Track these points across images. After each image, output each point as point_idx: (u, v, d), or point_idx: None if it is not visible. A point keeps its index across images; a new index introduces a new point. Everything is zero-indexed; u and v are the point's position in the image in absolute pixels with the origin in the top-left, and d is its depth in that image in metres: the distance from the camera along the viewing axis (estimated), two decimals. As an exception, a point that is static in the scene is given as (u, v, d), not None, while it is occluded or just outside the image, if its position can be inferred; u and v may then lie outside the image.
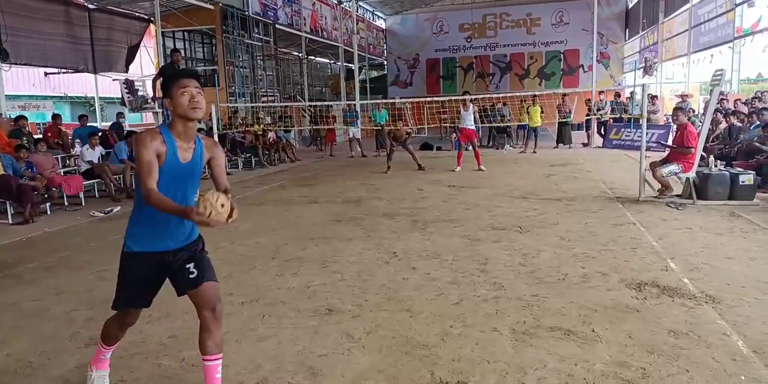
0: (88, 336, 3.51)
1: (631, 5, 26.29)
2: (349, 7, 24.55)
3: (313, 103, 18.95)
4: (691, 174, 7.30)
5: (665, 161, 7.58)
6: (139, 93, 8.99)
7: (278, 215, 7.47)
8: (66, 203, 8.61)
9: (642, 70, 21.89)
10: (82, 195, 8.85)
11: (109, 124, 13.79)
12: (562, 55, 27.61)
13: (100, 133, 10.90)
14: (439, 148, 16.76)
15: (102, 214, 7.86)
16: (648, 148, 8.31)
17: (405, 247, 5.46)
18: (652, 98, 14.81)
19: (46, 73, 17.70)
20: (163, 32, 13.80)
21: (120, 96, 9.50)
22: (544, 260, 4.87)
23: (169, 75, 2.39)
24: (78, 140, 11.36)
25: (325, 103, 19.50)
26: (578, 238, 5.63)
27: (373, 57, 29.78)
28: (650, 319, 3.49)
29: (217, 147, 2.62)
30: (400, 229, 6.27)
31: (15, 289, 4.56)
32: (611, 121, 16.37)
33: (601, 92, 17.97)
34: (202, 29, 17.15)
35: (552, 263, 4.77)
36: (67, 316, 3.90)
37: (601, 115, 16.40)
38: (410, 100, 18.51)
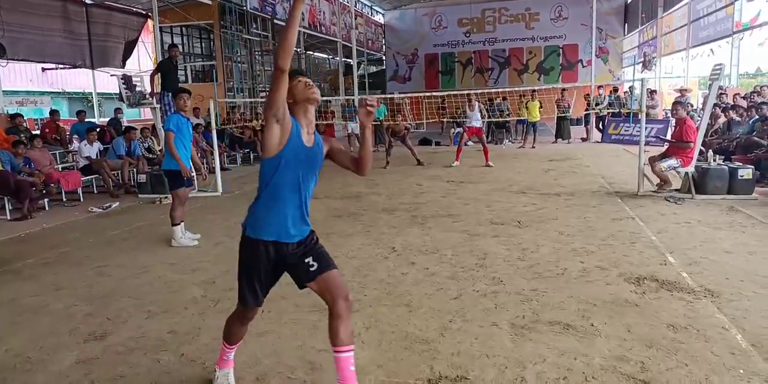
0: (87, 331, 3.51)
1: (630, 0, 26.21)
2: (348, 2, 24.45)
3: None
4: (690, 168, 7.30)
5: (664, 156, 7.58)
6: (137, 88, 8.92)
7: (277, 211, 7.44)
8: (64, 199, 8.60)
9: (641, 64, 21.85)
10: (80, 191, 8.84)
11: (107, 119, 13.77)
12: (560, 49, 27.55)
13: (98, 129, 10.88)
14: (438, 144, 16.76)
15: (100, 210, 7.85)
16: (647, 143, 8.29)
17: (404, 243, 5.46)
18: (651, 93, 14.80)
19: (43, 69, 17.60)
20: (160, 27, 13.77)
21: (118, 91, 9.44)
22: (543, 255, 4.88)
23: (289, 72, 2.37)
24: (76, 136, 11.33)
25: (324, 98, 19.44)
26: (577, 232, 5.63)
27: (372, 52, 29.70)
28: (649, 313, 3.50)
29: (330, 140, 2.70)
30: (399, 225, 6.27)
31: (13, 285, 4.56)
32: (609, 115, 16.36)
33: (599, 87, 17.95)
34: (199, 24, 17.09)
35: (551, 258, 4.77)
36: (66, 311, 3.90)
37: (599, 109, 16.38)
38: (409, 95, 18.48)
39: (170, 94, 8.82)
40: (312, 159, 2.48)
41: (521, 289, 4.00)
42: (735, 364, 2.82)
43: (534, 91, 16.00)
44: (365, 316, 3.61)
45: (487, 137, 17.31)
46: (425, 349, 3.10)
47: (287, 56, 2.21)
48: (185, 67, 18.45)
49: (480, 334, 3.26)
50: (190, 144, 5.86)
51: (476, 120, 11.76)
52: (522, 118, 16.07)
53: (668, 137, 9.25)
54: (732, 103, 11.72)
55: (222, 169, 10.17)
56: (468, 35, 28.68)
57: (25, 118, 10.65)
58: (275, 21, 18.96)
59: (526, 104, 15.77)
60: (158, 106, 8.93)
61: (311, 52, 26.30)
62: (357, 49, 22.34)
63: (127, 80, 8.76)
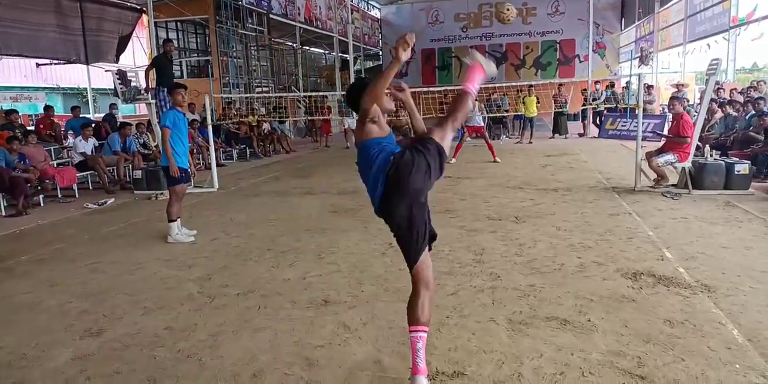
0: (82, 328, 3.49)
1: (626, -6, 26.17)
2: (344, -3, 24.34)
3: (308, 94, 18.83)
4: (687, 164, 7.30)
5: (661, 151, 7.58)
6: (132, 84, 8.87)
7: (273, 206, 7.44)
8: (59, 195, 8.56)
9: (638, 59, 21.82)
10: (75, 187, 8.80)
11: (102, 115, 13.70)
12: (558, 44, 27.46)
13: (93, 125, 10.82)
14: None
15: (96, 206, 7.82)
16: (644, 138, 8.29)
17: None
18: (648, 88, 14.79)
19: (37, 64, 17.52)
20: (155, 22, 13.65)
21: (113, 87, 9.38)
22: (541, 250, 4.87)
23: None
24: (71, 132, 11.27)
25: (321, 93, 19.38)
26: (574, 228, 5.63)
27: (368, 47, 29.58)
28: (646, 308, 3.50)
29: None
30: (396, 220, 6.24)
31: (8, 282, 4.53)
32: (605, 111, 16.37)
33: (596, 82, 17.92)
34: (195, 19, 16.98)
35: (548, 253, 4.77)
36: (61, 308, 3.88)
37: (597, 105, 16.37)
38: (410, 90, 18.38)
39: (165, 89, 8.77)
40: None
41: (518, 285, 4.00)
42: (731, 358, 2.83)
43: (531, 86, 15.98)
44: (362, 311, 3.60)
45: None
46: (422, 345, 3.09)
47: (372, 102, 2.56)
48: (180, 62, 18.35)
49: (477, 330, 3.26)
50: (187, 140, 5.82)
51: (478, 120, 11.85)
52: (519, 113, 16.06)
53: (665, 132, 9.25)
54: (729, 99, 11.72)
55: (218, 165, 10.14)
56: (465, 30, 28.58)
57: (19, 114, 10.59)
58: (271, 16, 18.85)
59: (523, 100, 15.76)
60: (153, 101, 8.88)
61: (307, 47, 26.17)
62: (353, 44, 22.25)
63: (122, 75, 8.71)
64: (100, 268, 4.81)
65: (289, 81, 22.62)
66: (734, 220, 5.74)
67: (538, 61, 27.88)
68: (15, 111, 10.24)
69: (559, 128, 16.41)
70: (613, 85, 17.24)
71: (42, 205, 8.05)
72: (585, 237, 5.25)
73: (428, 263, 2.79)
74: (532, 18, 27.61)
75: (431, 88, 16.63)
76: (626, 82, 17.50)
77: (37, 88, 18.14)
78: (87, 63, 15.18)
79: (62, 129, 11.31)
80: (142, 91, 8.92)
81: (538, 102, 15.61)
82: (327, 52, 28.37)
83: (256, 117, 15.08)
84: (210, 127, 9.55)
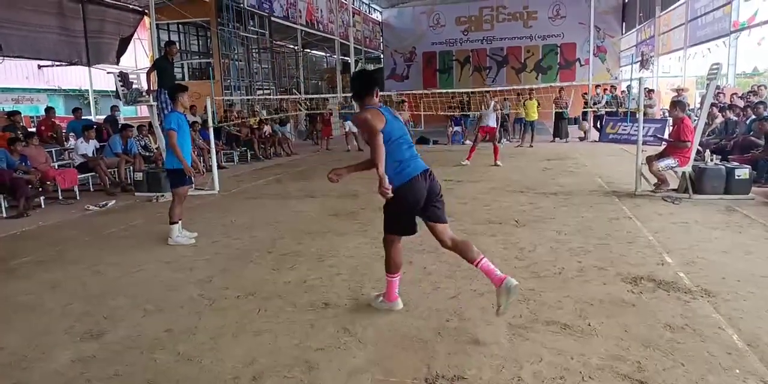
0: (82, 330, 3.49)
1: (627, -1, 26.24)
2: (345, 0, 24.40)
3: (310, 96, 18.86)
4: (687, 168, 7.31)
5: (661, 155, 7.58)
6: (134, 86, 8.89)
7: (274, 209, 7.45)
8: (60, 197, 8.56)
9: (638, 63, 21.87)
10: (76, 189, 8.80)
11: (104, 117, 13.72)
12: (558, 48, 27.52)
13: (95, 127, 10.83)
14: (435, 142, 16.75)
15: (97, 208, 7.83)
16: (645, 142, 8.30)
17: (401, 241, 5.43)
18: (649, 92, 14.81)
19: (39, 66, 17.55)
20: (157, 24, 13.72)
21: (114, 89, 9.40)
22: (541, 254, 4.88)
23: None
24: (72, 133, 11.28)
25: (322, 96, 19.42)
26: (575, 232, 5.63)
27: (370, 50, 29.66)
28: (646, 313, 3.50)
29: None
30: (397, 223, 6.25)
31: (9, 283, 4.53)
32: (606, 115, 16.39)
33: (597, 86, 17.94)
34: (196, 22, 17.03)
35: (548, 257, 4.77)
36: (62, 310, 3.88)
37: (597, 108, 16.40)
38: (406, 93, 18.47)
39: (167, 91, 8.78)
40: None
41: (518, 289, 3.99)
42: (731, 363, 2.83)
43: (531, 90, 15.99)
44: (363, 315, 3.61)
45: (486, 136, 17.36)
46: (422, 349, 3.10)
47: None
48: (182, 64, 18.40)
49: (477, 334, 3.26)
50: (189, 141, 5.85)
51: (492, 120, 11.75)
52: (520, 117, 16.07)
53: (666, 136, 9.26)
54: (729, 103, 11.74)
55: (219, 167, 10.15)
56: (466, 34, 28.63)
57: (21, 115, 10.60)
58: (272, 18, 18.90)
59: (523, 103, 15.77)
60: (155, 103, 8.89)
61: (309, 50, 26.25)
62: (355, 47, 22.33)
63: (123, 77, 8.72)
64: (100, 270, 4.82)
65: (291, 83, 22.67)
66: (734, 225, 5.74)
67: (539, 65, 27.93)
68: (17, 112, 10.25)
69: (560, 132, 16.44)
70: (615, 88, 17.24)
71: (43, 206, 8.05)
72: (585, 241, 5.26)
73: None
74: (533, 21, 27.67)
75: (435, 91, 16.64)
76: (627, 86, 17.52)
77: (38, 90, 18.17)
78: (88, 65, 15.22)
79: (63, 131, 11.33)
80: (144, 93, 8.92)
81: (538, 106, 15.63)
82: (328, 54, 28.47)
83: (257, 119, 15.10)
84: (211, 130, 9.56)
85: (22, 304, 4.05)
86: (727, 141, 9.97)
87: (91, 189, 9.56)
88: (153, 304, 3.93)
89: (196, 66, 19.50)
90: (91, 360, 3.09)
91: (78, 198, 8.65)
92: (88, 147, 9.59)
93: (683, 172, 7.36)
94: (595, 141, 16.08)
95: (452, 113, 16.37)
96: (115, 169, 9.72)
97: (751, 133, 9.33)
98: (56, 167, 9.18)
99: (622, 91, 17.73)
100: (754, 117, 9.55)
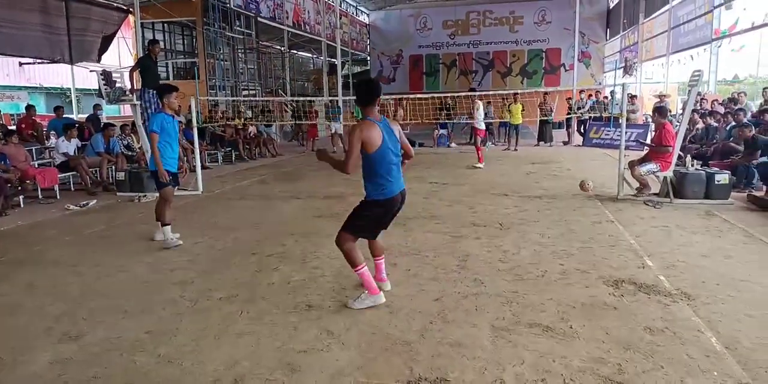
0: (61, 331, 3.44)
1: (612, 5, 26.56)
2: (332, 2, 24.39)
3: (295, 98, 18.80)
4: (669, 173, 7.41)
5: (643, 160, 7.68)
6: (117, 84, 8.79)
7: (258, 210, 7.40)
8: (40, 196, 8.43)
9: (622, 69, 22.13)
10: (57, 188, 8.67)
11: (86, 115, 13.54)
12: (544, 53, 27.79)
13: (76, 125, 10.69)
14: (421, 144, 16.78)
15: (77, 208, 7.72)
16: (627, 147, 8.40)
17: (385, 244, 5.42)
18: (632, 98, 15.00)
19: (20, 63, 17.27)
20: (142, 23, 13.56)
21: (97, 87, 9.28)
22: (524, 257, 4.91)
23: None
24: (53, 132, 11.11)
25: (308, 98, 19.36)
26: (558, 235, 5.68)
27: (357, 52, 29.64)
28: (627, 315, 3.54)
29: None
30: (381, 225, 6.25)
31: (-14, 284, 4.44)
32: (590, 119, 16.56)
33: (581, 91, 18.12)
34: (182, 21, 16.89)
35: (532, 260, 4.80)
36: (40, 311, 3.81)
37: (581, 113, 16.57)
38: (393, 96, 18.49)
39: (151, 91, 8.70)
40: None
41: (502, 291, 4.02)
42: (710, 366, 2.87)
43: (516, 94, 16.10)
44: (346, 317, 3.60)
45: (470, 139, 17.46)
46: (405, 351, 3.09)
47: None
48: (167, 63, 18.23)
49: (460, 336, 3.27)
50: (176, 143, 5.66)
51: (481, 123, 12.10)
52: (505, 120, 16.19)
53: (647, 141, 9.38)
54: (710, 110, 11.93)
55: (203, 167, 10.06)
56: (452, 37, 28.78)
57: (1, 113, 10.42)
58: (259, 19, 18.81)
59: (508, 107, 15.88)
60: (138, 102, 8.80)
61: (295, 51, 26.16)
62: (341, 49, 22.27)
63: (106, 76, 8.63)
64: (80, 271, 4.74)
65: (277, 84, 22.57)
66: (714, 229, 5.83)
67: (525, 70, 28.18)
68: (-4, 110, 10.09)
69: (544, 136, 16.57)
70: (599, 93, 17.43)
71: (22, 206, 7.92)
72: (568, 244, 5.30)
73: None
74: (519, 26, 27.92)
75: (419, 95, 16.69)
76: (610, 92, 17.72)
77: (19, 88, 17.90)
78: (71, 63, 15.00)
79: (44, 129, 11.16)
80: (127, 92, 8.83)
81: (523, 109, 15.75)
82: (315, 56, 28.38)
83: (242, 120, 15.01)
84: (195, 130, 9.48)
85: (-1, 305, 3.97)
86: (707, 147, 10.13)
87: (72, 188, 9.42)
88: (133, 306, 3.88)
89: (181, 65, 19.32)
90: (70, 362, 3.04)
91: (58, 197, 8.52)
92: (69, 146, 9.45)
93: (664, 177, 7.46)
94: (579, 145, 16.24)
95: (437, 118, 16.42)
96: (97, 169, 9.59)
97: (731, 139, 9.49)
98: (36, 166, 9.04)
99: (605, 97, 17.94)
100: (734, 123, 9.71)
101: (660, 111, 7.79)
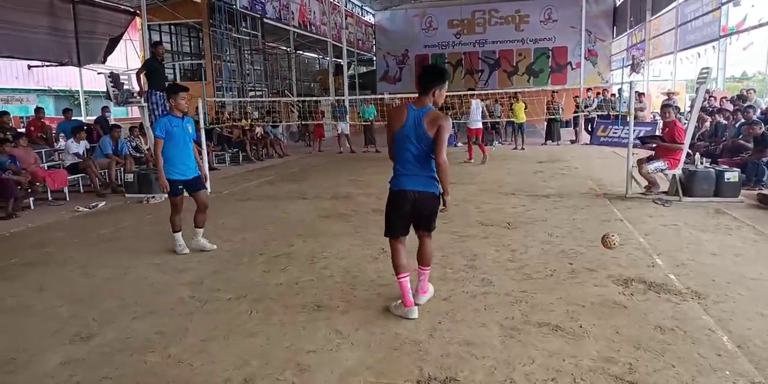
0: (72, 332, 3.46)
1: (618, 3, 26.43)
2: (338, 2, 24.42)
3: (302, 98, 18.84)
4: (678, 171, 7.36)
5: (651, 158, 7.63)
6: (125, 87, 8.84)
7: (266, 211, 7.42)
8: (50, 198, 8.49)
9: (629, 67, 22.01)
10: (66, 190, 8.73)
11: (94, 118, 13.62)
12: (550, 52, 27.68)
13: (85, 128, 10.76)
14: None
15: (86, 209, 7.76)
16: (635, 145, 8.35)
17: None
18: (639, 95, 14.92)
19: (29, 66, 17.41)
20: (149, 26, 13.64)
21: (105, 89, 9.34)
22: (532, 256, 4.89)
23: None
24: (62, 134, 11.19)
25: (314, 98, 19.40)
26: (566, 234, 5.65)
27: (362, 52, 29.68)
28: (637, 314, 3.52)
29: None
30: (389, 225, 6.24)
31: (-3, 285, 4.48)
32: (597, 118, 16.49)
33: (588, 89, 18.05)
34: (188, 23, 16.96)
35: (540, 259, 4.79)
36: (51, 312, 3.84)
37: (588, 112, 16.49)
38: (399, 95, 18.50)
39: (158, 92, 8.74)
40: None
41: (510, 291, 4.01)
42: (721, 365, 2.85)
43: (517, 93, 16.02)
44: (354, 316, 3.60)
45: (476, 138, 17.38)
46: (415, 350, 3.09)
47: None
48: (173, 65, 18.32)
49: (470, 335, 3.26)
50: (185, 147, 5.20)
51: (476, 121, 12.06)
52: (511, 119, 16.15)
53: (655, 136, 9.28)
54: (719, 107, 11.84)
55: (210, 168, 10.11)
56: (458, 37, 28.72)
57: (11, 116, 10.50)
58: (265, 20, 18.87)
59: (511, 106, 15.84)
60: (146, 104, 8.84)
61: (301, 52, 26.22)
62: (347, 49, 22.30)
63: (114, 78, 8.67)
64: (90, 272, 4.77)
65: (283, 85, 22.63)
66: (724, 228, 5.79)
67: (531, 68, 28.07)
68: (6, 113, 10.15)
69: (552, 135, 16.51)
70: (606, 91, 17.34)
71: (32, 208, 7.97)
72: (577, 243, 5.28)
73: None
74: (525, 25, 27.83)
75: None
76: (618, 90, 17.64)
77: (28, 90, 18.01)
78: (79, 65, 15.11)
79: (53, 131, 11.23)
80: (135, 94, 8.87)
81: (526, 108, 15.70)
82: (321, 56, 28.44)
83: (249, 121, 15.04)
84: (203, 131, 9.51)
85: (10, 306, 4.00)
86: (716, 144, 10.06)
87: (81, 190, 9.48)
88: (143, 306, 3.89)
89: (187, 67, 19.42)
90: (81, 363, 3.06)
91: (67, 199, 8.58)
92: (79, 148, 9.51)
93: (673, 175, 7.41)
94: (587, 144, 16.16)
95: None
96: (105, 171, 9.65)
97: (741, 136, 9.41)
98: (46, 168, 9.10)
99: (612, 94, 17.85)
100: (743, 120, 9.64)
101: (670, 108, 7.72)
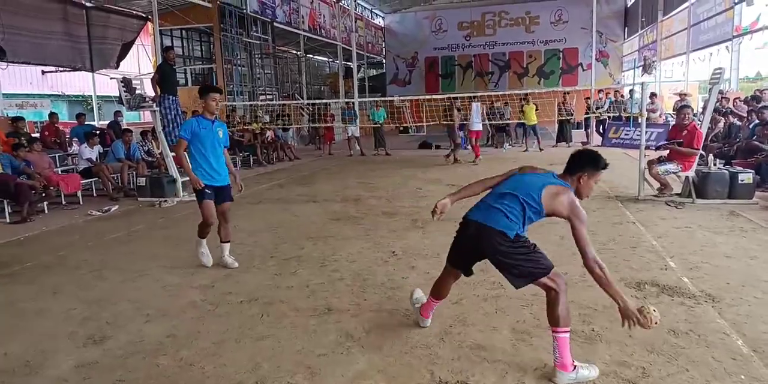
0: (85, 335, 3.49)
1: (630, 3, 26.28)
2: (348, 5, 24.51)
3: (312, 102, 18.91)
4: (691, 173, 7.28)
5: (663, 160, 7.54)
6: (137, 91, 8.93)
7: (277, 214, 7.45)
8: (64, 202, 8.58)
9: (641, 68, 21.87)
10: (79, 194, 8.81)
11: (107, 122, 13.77)
12: (561, 53, 27.60)
13: (98, 132, 10.87)
14: (438, 147, 16.75)
15: (100, 213, 7.84)
16: (647, 147, 8.26)
17: (404, 246, 5.45)
18: (652, 96, 14.81)
19: (43, 72, 17.64)
20: (160, 30, 13.76)
21: (117, 94, 9.44)
22: (544, 259, 4.85)
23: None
24: (76, 139, 11.32)
25: (324, 101, 19.46)
26: (577, 236, 5.60)
27: (372, 55, 29.74)
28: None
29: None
30: (399, 228, 6.25)
31: (12, 288, 4.54)
32: (609, 119, 16.39)
33: (600, 91, 17.95)
34: (199, 27, 17.10)
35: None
36: (65, 315, 3.88)
37: (600, 113, 16.40)
38: (409, 98, 18.52)
39: (171, 97, 8.82)
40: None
41: (522, 294, 3.97)
42: (736, 369, 2.81)
43: (527, 94, 15.97)
44: (365, 320, 3.60)
45: (488, 141, 17.35)
46: (426, 354, 3.08)
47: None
48: (185, 69, 18.47)
49: (481, 339, 3.25)
50: (214, 151, 4.82)
51: (476, 123, 12.10)
52: (521, 121, 16.12)
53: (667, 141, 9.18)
54: (732, 108, 11.72)
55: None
56: (468, 39, 28.73)
57: (25, 121, 10.64)
58: (275, 24, 18.98)
59: (521, 108, 15.79)
60: (158, 109, 8.92)
61: (311, 55, 26.33)
62: (357, 53, 22.36)
63: (127, 83, 8.75)
64: (103, 275, 4.82)
65: (293, 89, 22.73)
66: (738, 230, 5.72)
67: (542, 70, 28.00)
68: (21, 118, 10.28)
69: (563, 136, 16.44)
70: (618, 93, 17.24)
71: (46, 212, 8.07)
72: (588, 246, 5.23)
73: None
74: (536, 27, 27.77)
75: (434, 96, 16.65)
76: (629, 91, 17.52)
77: (42, 96, 18.23)
78: (92, 70, 15.29)
79: (67, 136, 11.37)
80: (147, 99, 8.95)
81: (537, 109, 15.64)
82: (331, 60, 28.52)
83: (260, 124, 15.12)
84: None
85: (25, 309, 4.05)
86: (730, 146, 9.95)
87: (94, 194, 9.57)
88: (155, 310, 3.92)
89: (198, 71, 19.57)
90: (94, 366, 3.09)
91: (81, 203, 8.67)
92: (92, 152, 9.62)
93: (686, 177, 7.33)
94: (598, 146, 16.04)
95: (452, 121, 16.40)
96: (118, 174, 9.74)
97: (755, 137, 9.31)
98: (59, 173, 9.20)
99: (623, 95, 17.73)
100: (757, 121, 9.53)
101: (688, 109, 7.63)
